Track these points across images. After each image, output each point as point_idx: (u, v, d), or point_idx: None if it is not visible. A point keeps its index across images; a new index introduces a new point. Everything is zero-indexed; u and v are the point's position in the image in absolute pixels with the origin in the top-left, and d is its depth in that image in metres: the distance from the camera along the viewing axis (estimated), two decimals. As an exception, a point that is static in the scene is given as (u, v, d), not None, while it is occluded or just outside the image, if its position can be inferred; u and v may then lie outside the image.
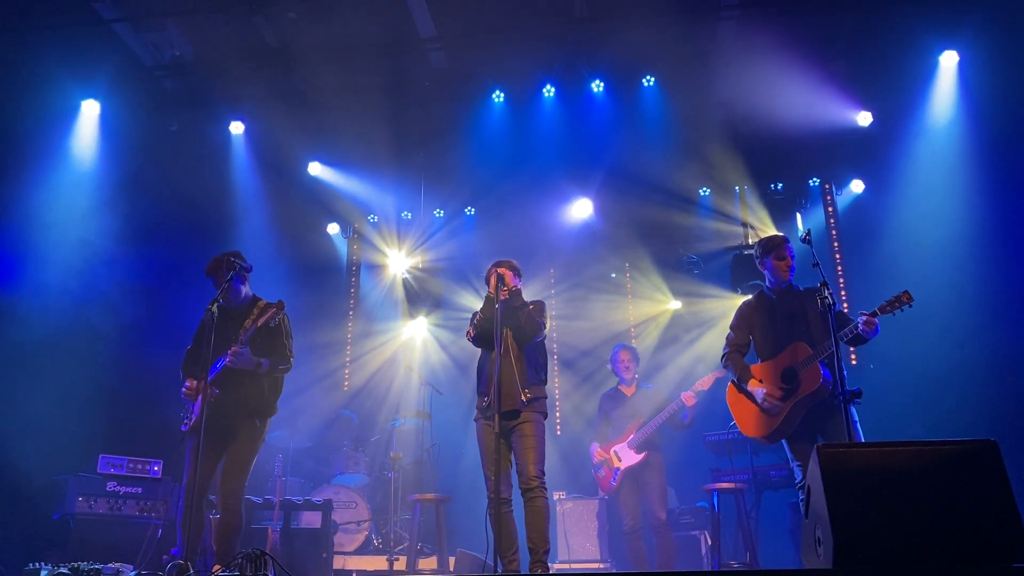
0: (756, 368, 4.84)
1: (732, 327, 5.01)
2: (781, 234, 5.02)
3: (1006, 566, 2.65)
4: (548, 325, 4.85)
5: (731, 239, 8.44)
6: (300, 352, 5.01)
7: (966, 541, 2.71)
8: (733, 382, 4.95)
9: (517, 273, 4.90)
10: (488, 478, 4.50)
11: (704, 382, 6.13)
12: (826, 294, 4.16)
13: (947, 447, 2.90)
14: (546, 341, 4.92)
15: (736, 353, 4.93)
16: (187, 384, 4.74)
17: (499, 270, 4.76)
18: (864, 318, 4.47)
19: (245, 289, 4.92)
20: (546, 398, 4.70)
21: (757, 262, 4.98)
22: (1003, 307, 6.88)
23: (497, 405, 4.42)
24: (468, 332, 4.83)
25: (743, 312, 5.01)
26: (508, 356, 4.62)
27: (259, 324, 4.65)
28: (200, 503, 4.45)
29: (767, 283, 4.96)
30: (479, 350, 4.89)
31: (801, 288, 4.86)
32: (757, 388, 4.73)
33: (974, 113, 7.30)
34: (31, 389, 6.63)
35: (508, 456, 4.56)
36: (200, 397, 4.55)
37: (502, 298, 4.65)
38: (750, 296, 5.16)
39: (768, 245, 4.88)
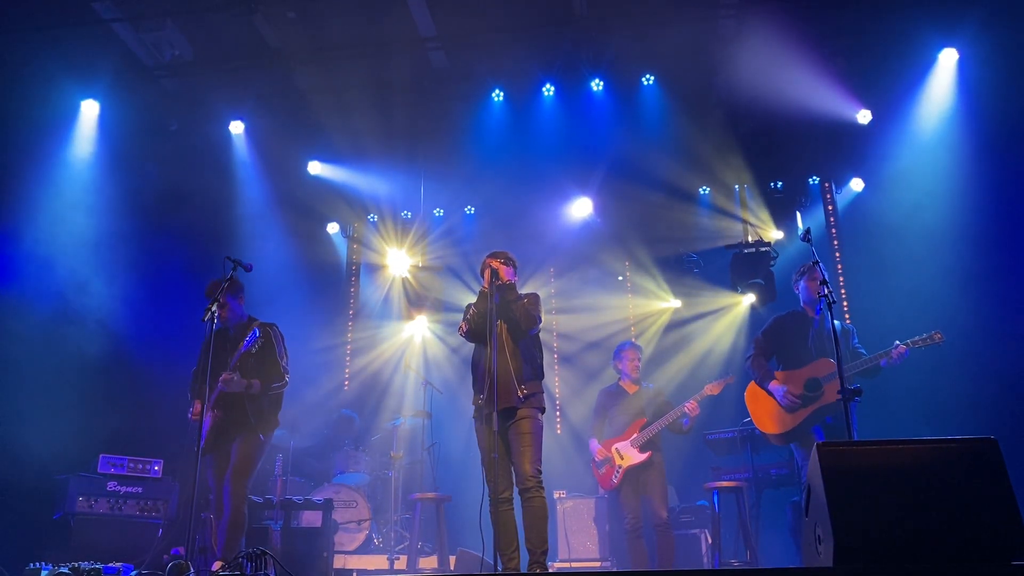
0: (780, 375, 5.26)
1: (763, 333, 5.48)
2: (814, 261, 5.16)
3: (1006, 563, 2.65)
4: (543, 318, 4.76)
5: (731, 237, 8.43)
6: (301, 352, 5.07)
7: (966, 539, 2.71)
8: (755, 381, 5.36)
9: (512, 265, 4.80)
10: (487, 477, 4.47)
11: (714, 387, 6.12)
12: (826, 292, 4.22)
13: (947, 445, 2.90)
14: (546, 339, 4.89)
15: (761, 356, 5.37)
16: (193, 408, 4.93)
17: (492, 263, 4.67)
18: (899, 348, 4.87)
19: (241, 309, 5.08)
20: (543, 393, 4.62)
21: (793, 285, 5.50)
22: (1003, 305, 6.87)
23: (494, 403, 4.36)
24: (461, 327, 4.72)
25: (777, 323, 5.48)
26: (503, 352, 4.52)
27: (242, 351, 4.81)
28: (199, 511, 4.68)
29: (801, 303, 5.41)
30: (474, 347, 4.80)
31: (837, 323, 4.95)
32: (778, 387, 5.14)
33: (974, 111, 7.28)
34: (32, 389, 6.63)
35: (504, 455, 4.48)
36: (207, 419, 4.78)
37: (497, 287, 4.57)
38: (787, 312, 5.56)
39: (802, 269, 5.42)
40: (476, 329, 4.62)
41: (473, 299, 4.79)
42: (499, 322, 4.59)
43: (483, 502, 4.46)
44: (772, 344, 5.40)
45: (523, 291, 4.77)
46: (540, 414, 4.54)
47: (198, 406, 4.84)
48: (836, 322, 4.49)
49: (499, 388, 4.41)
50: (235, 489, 4.78)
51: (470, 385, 4.78)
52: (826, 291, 4.24)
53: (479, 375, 4.62)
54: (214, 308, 4.44)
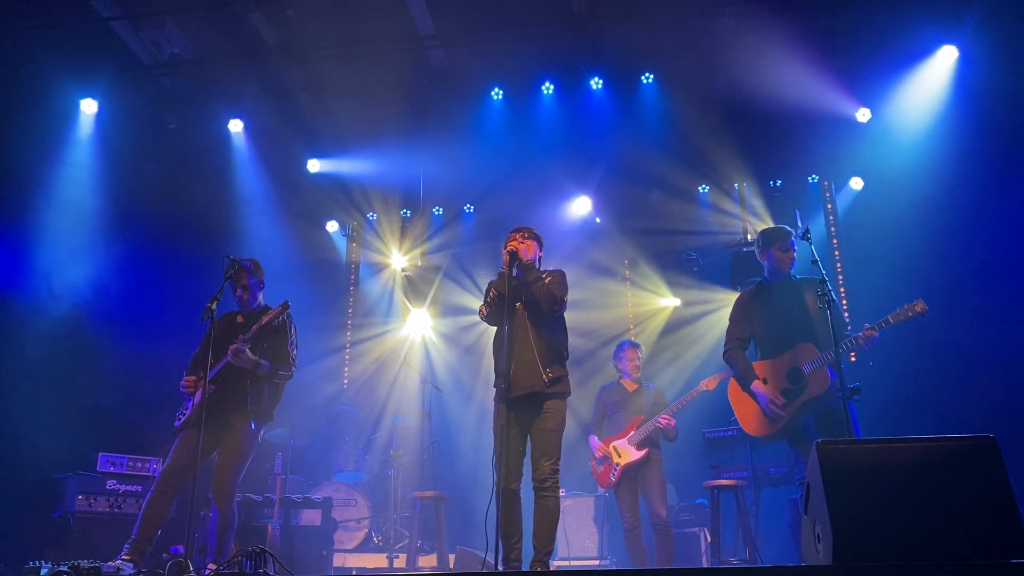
0: (759, 365, 4.79)
1: (732, 319, 4.94)
2: (786, 227, 4.88)
3: (1004, 562, 2.65)
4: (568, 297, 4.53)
5: (730, 236, 8.44)
6: (300, 349, 5.00)
7: (965, 537, 2.71)
8: (735, 379, 4.89)
9: (537, 240, 4.62)
10: (497, 464, 4.30)
11: (710, 381, 6.10)
12: (825, 290, 4.17)
13: (946, 443, 2.90)
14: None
15: (738, 349, 4.84)
16: (186, 378, 4.74)
17: (511, 244, 4.52)
18: (866, 332, 4.45)
19: (260, 296, 4.98)
20: (568, 375, 4.45)
21: (758, 252, 4.93)
22: (1002, 303, 6.88)
23: (504, 392, 4.24)
24: (481, 310, 4.55)
25: (743, 303, 4.94)
26: (527, 335, 4.35)
27: (263, 323, 4.66)
28: (171, 492, 4.48)
29: (766, 273, 4.92)
30: (490, 338, 4.63)
31: (799, 278, 4.84)
32: (762, 391, 4.65)
33: (973, 109, 7.28)
34: (32, 387, 6.62)
35: (518, 444, 4.34)
36: (199, 393, 4.56)
37: (516, 266, 4.40)
38: (749, 287, 5.10)
39: (772, 237, 4.82)
40: (497, 311, 4.44)
41: (475, 299, 4.75)
42: (519, 304, 4.44)
43: (483, 501, 4.40)
44: (744, 328, 4.86)
45: None
46: (565, 402, 4.41)
47: (192, 378, 4.66)
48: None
49: (522, 372, 4.28)
50: (221, 487, 4.55)
51: (470, 384, 4.74)
52: (825, 289, 4.20)
53: (501, 359, 4.41)
54: (213, 307, 4.38)
